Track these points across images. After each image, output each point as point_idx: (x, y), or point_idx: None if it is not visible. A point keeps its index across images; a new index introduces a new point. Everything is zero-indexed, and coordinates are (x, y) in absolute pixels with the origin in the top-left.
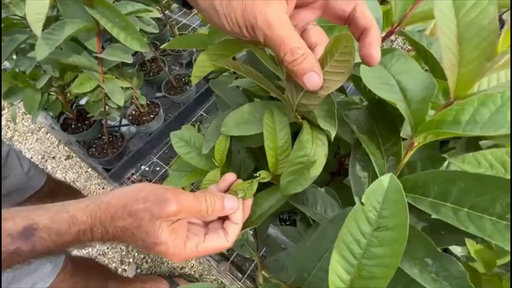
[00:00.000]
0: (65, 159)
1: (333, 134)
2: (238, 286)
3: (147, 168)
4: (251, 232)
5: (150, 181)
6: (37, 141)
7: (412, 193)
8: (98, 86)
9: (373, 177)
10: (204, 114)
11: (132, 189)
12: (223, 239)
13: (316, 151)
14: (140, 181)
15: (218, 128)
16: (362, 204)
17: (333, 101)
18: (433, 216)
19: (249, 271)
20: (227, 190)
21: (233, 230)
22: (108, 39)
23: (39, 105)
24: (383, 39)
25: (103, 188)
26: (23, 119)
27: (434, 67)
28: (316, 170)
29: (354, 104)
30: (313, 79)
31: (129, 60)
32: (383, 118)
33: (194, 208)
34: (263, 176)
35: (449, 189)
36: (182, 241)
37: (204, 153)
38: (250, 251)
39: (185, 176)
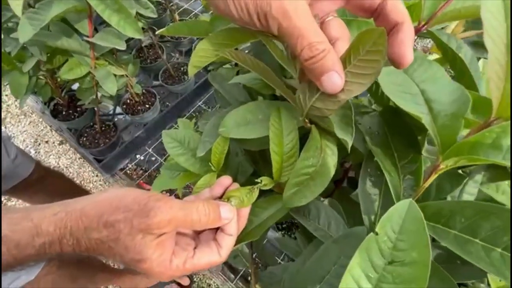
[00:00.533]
0: (59, 144)
1: (349, 144)
2: (230, 286)
3: (142, 158)
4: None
5: (145, 171)
6: (30, 124)
7: (433, 222)
8: (90, 72)
9: (385, 194)
10: (202, 106)
11: (111, 195)
12: (215, 254)
13: (324, 161)
14: (135, 170)
15: (216, 128)
16: (376, 233)
17: (350, 106)
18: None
19: (242, 272)
20: (222, 196)
21: (227, 243)
22: (103, 22)
23: (26, 89)
24: None
25: (97, 175)
26: (16, 100)
27: (462, 74)
28: (324, 183)
29: (363, 108)
30: (333, 80)
31: (122, 46)
32: (399, 128)
33: (184, 220)
34: (265, 183)
35: (480, 224)
36: (168, 258)
37: (199, 155)
38: (244, 262)
39: (177, 177)
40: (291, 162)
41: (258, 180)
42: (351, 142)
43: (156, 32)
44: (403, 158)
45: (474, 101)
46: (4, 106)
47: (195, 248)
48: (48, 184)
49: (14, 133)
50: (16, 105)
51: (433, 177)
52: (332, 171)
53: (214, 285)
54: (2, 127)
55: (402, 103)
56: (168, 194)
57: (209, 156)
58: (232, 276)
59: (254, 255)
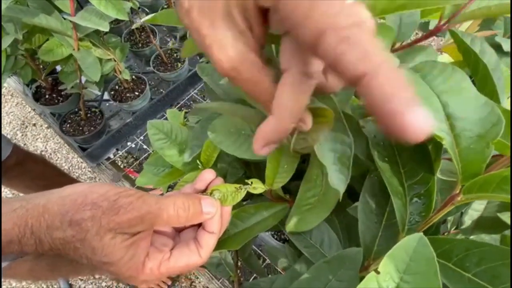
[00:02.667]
0: (47, 128)
1: (340, 194)
2: (216, 285)
3: (133, 146)
4: None
5: (136, 159)
6: (17, 106)
7: (442, 259)
8: (72, 54)
9: (389, 216)
10: (196, 95)
11: (77, 190)
12: (195, 254)
13: (327, 188)
14: (125, 158)
15: (205, 130)
16: (377, 272)
17: (350, 143)
18: None
19: None
20: (204, 191)
21: (208, 242)
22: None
23: (4, 69)
24: (426, 37)
25: (86, 162)
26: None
27: (484, 82)
28: (329, 209)
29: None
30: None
31: (105, 28)
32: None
33: (159, 215)
34: (255, 186)
35: (501, 271)
36: (141, 261)
37: (186, 160)
38: (227, 272)
39: (162, 174)
40: (287, 169)
41: (248, 182)
42: (343, 191)
43: (142, 20)
44: (411, 177)
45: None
46: None
47: (172, 249)
48: (28, 169)
49: None
50: (4, 85)
51: (448, 208)
52: (336, 199)
53: (199, 284)
54: None
55: None
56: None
57: (198, 154)
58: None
59: (239, 264)
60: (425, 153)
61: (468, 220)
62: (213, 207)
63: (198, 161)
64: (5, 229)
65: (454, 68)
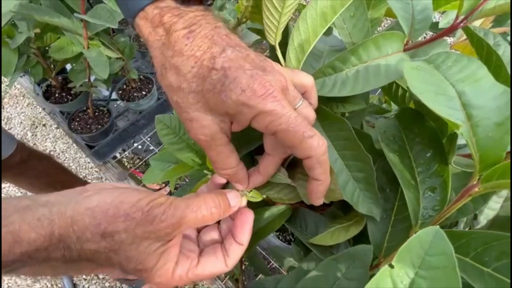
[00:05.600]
0: (56, 128)
1: (378, 218)
2: (219, 286)
3: (139, 147)
4: None
5: (141, 160)
6: (28, 106)
7: (459, 254)
8: (83, 53)
9: (398, 210)
10: None
11: (105, 200)
12: (221, 264)
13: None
14: (132, 159)
15: None
16: (391, 266)
17: (370, 164)
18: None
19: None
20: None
21: (236, 252)
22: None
23: (16, 67)
24: (439, 35)
25: (94, 161)
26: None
27: (498, 73)
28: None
29: (373, 106)
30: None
31: (114, 25)
32: (420, 134)
33: (195, 217)
34: (253, 195)
35: None
36: (171, 268)
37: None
38: (232, 271)
39: (169, 169)
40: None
41: (246, 191)
42: (379, 216)
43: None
44: (424, 170)
45: None
46: (3, 86)
47: (199, 255)
48: (32, 167)
49: (12, 115)
50: (15, 86)
51: (464, 200)
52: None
53: (201, 283)
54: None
55: (439, 108)
56: (164, 185)
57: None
58: (222, 275)
59: (243, 267)
60: (438, 146)
61: (483, 219)
62: (238, 198)
63: (205, 171)
64: (30, 238)
65: (470, 58)
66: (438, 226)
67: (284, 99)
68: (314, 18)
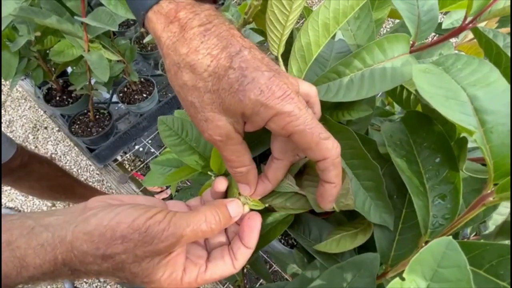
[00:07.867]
0: (58, 131)
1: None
2: None
3: (141, 149)
4: None
5: (142, 162)
6: (30, 109)
7: (472, 266)
8: (83, 56)
9: (406, 218)
10: None
11: (103, 222)
12: (229, 267)
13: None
14: (133, 162)
15: None
16: (402, 279)
17: (379, 174)
18: None
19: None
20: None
21: (244, 256)
22: (101, 3)
23: (16, 70)
24: (447, 37)
25: (95, 164)
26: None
27: (507, 76)
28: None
29: (376, 109)
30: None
31: (114, 27)
32: (428, 139)
33: (195, 234)
34: (254, 203)
35: None
36: (179, 276)
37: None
38: (234, 276)
39: (170, 173)
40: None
41: (247, 199)
42: (392, 225)
43: (144, 41)
44: (433, 176)
45: None
46: (4, 89)
47: (207, 261)
48: (32, 170)
49: (13, 117)
50: (17, 89)
51: (477, 210)
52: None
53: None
54: (3, 108)
55: (450, 113)
56: (165, 187)
57: (207, 151)
58: (223, 280)
59: (244, 270)
60: (447, 151)
61: (492, 225)
62: (240, 207)
63: (210, 172)
64: (35, 263)
65: (482, 61)
66: (451, 237)
67: (301, 101)
68: (316, 29)
